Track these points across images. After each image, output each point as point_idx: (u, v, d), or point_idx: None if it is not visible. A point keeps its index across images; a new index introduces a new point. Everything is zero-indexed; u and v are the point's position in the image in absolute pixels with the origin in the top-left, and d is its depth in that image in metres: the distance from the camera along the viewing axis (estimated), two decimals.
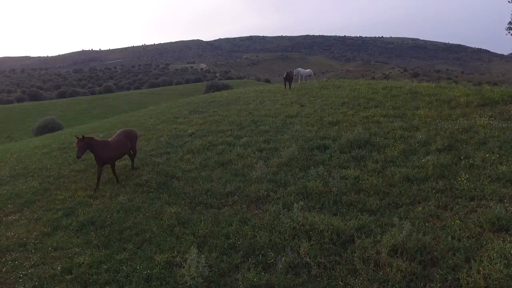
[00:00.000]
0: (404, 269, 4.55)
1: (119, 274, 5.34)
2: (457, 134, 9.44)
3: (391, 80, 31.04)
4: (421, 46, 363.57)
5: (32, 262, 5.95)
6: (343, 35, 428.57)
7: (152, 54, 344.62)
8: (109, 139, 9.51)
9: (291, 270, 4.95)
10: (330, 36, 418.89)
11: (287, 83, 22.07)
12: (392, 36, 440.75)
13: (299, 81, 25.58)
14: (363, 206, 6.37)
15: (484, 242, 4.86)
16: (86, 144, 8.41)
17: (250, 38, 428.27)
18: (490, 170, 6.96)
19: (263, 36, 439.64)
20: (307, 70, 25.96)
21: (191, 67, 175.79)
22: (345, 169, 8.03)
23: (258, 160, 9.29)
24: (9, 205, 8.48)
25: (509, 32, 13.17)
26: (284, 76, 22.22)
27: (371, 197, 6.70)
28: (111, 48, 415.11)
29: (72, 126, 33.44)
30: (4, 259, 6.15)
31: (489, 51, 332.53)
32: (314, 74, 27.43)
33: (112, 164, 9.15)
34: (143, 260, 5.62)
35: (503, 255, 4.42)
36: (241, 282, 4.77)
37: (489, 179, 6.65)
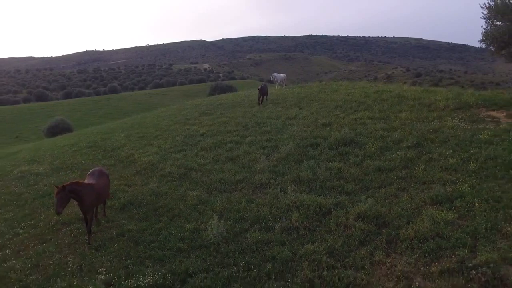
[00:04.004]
0: (363, 229, 6.50)
1: (160, 236, 7.32)
2: (426, 133, 11.32)
3: (387, 82, 32.71)
4: (424, 46, 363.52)
5: (92, 230, 7.93)
6: (346, 35, 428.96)
7: (156, 54, 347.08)
8: (92, 182, 7.98)
9: (285, 232, 6.91)
10: (333, 36, 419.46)
11: (263, 97, 19.88)
12: (395, 36, 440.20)
13: (277, 86, 26.73)
14: (341, 189, 8.32)
15: (423, 212, 6.79)
16: (68, 193, 7.05)
17: (253, 38, 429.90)
18: (442, 162, 8.87)
19: (266, 36, 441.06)
20: (282, 74, 27.37)
21: (195, 67, 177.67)
22: (331, 162, 9.96)
23: (261, 156, 11.23)
24: None
25: (481, 45, 14.85)
26: (259, 88, 19.99)
27: (349, 183, 8.64)
28: (114, 49, 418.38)
29: (79, 126, 35.14)
30: (69, 228, 8.15)
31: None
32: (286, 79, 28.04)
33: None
34: (176, 228, 7.59)
35: (431, 218, 6.36)
36: (249, 239, 6.74)
37: (440, 169, 8.57)
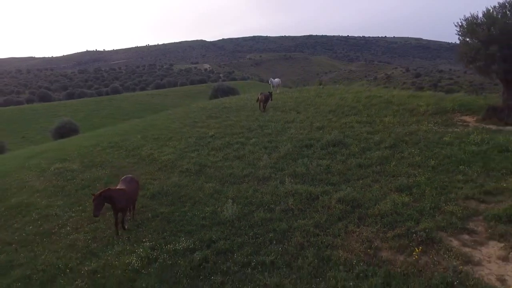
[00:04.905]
0: (342, 209, 8.66)
1: (186, 217, 9.47)
2: (403, 136, 13.44)
3: (386, 82, 34.62)
4: (425, 46, 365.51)
5: (129, 215, 10.06)
6: (346, 35, 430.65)
7: (156, 54, 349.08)
8: (123, 187, 9.27)
9: (283, 212, 9.06)
10: (333, 36, 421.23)
11: (264, 104, 20.98)
12: (395, 36, 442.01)
13: (271, 89, 28.78)
14: (328, 181, 10.46)
15: (388, 197, 8.93)
16: (103, 198, 8.38)
17: (253, 38, 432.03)
18: (410, 160, 11.01)
19: (266, 36, 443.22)
20: (276, 79, 29.49)
21: (195, 67, 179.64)
22: (321, 160, 12.10)
23: (264, 155, 13.36)
24: (97, 185, 12.62)
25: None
26: (264, 97, 21.01)
27: (334, 176, 10.78)
28: (115, 49, 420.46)
29: (83, 126, 36.68)
30: (112, 212, 10.27)
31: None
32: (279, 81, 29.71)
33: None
34: (198, 210, 9.74)
35: (392, 201, 8.51)
36: (256, 217, 8.89)
37: (407, 165, 10.71)
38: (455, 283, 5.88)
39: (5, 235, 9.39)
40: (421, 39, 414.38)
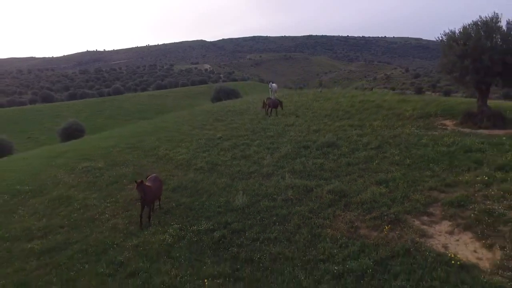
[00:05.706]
0: (331, 198, 10.74)
1: (204, 205, 11.55)
2: (387, 138, 15.49)
3: (386, 83, 36.47)
4: (424, 46, 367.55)
5: (157, 204, 12.12)
6: (346, 35, 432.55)
7: (156, 54, 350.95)
8: (150, 185, 10.91)
9: (284, 201, 11.13)
10: (333, 36, 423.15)
11: (273, 109, 22.57)
12: (395, 36, 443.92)
13: (270, 93, 30.76)
14: (321, 177, 12.53)
15: (369, 189, 11.00)
16: (143, 187, 10.33)
17: (253, 38, 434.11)
18: (391, 159, 13.08)
19: (266, 36, 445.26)
20: (274, 84, 31.63)
21: (195, 67, 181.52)
22: (316, 159, 14.17)
23: (267, 154, 15.43)
24: (124, 180, 14.67)
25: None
26: (272, 102, 22.61)
27: (327, 172, 12.85)
28: (115, 49, 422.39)
29: (87, 127, 38.06)
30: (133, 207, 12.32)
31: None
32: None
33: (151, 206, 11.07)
34: (214, 200, 11.81)
35: (372, 192, 10.57)
36: (262, 205, 10.97)
37: (388, 163, 12.78)
38: (411, 249, 7.95)
39: (56, 221, 11.45)
40: (421, 39, 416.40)
